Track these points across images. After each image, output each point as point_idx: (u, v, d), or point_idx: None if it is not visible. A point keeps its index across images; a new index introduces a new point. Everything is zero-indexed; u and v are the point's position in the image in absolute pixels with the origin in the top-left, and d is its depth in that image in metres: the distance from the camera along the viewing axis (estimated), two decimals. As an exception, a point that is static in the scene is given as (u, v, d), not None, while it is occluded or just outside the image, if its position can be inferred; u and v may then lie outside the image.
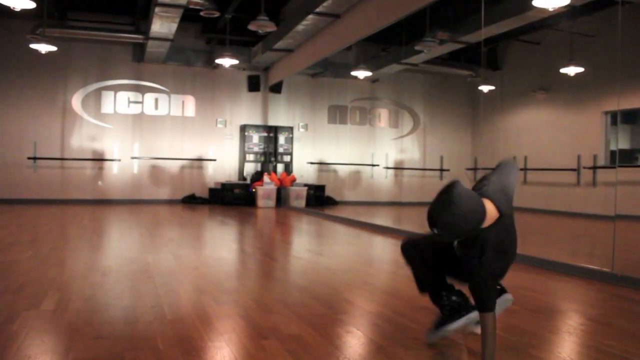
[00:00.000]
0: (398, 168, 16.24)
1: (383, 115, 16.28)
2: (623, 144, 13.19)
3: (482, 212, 2.30)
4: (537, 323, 3.30)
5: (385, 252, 7.17)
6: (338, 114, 15.76)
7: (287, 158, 14.72)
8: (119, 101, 13.85)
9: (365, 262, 6.09)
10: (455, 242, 2.65)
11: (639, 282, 4.45)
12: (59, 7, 11.98)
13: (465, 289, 2.68)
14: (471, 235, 2.38)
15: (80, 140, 13.54)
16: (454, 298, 2.78)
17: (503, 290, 2.84)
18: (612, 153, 12.37)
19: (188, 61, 14.22)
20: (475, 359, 2.68)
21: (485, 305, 2.44)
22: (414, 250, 2.88)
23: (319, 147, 15.54)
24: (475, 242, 2.44)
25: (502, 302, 2.79)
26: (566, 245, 7.99)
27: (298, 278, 5.02)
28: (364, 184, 15.87)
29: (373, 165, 15.92)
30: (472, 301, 2.63)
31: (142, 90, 14.00)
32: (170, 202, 13.86)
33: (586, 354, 2.88)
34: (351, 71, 13.47)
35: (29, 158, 13.01)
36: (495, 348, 2.44)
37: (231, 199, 13.81)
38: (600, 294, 4.40)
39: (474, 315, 2.71)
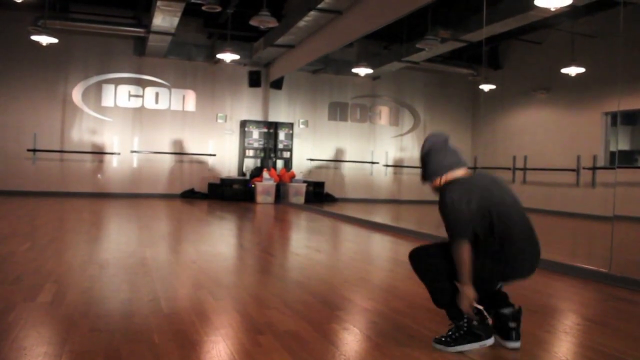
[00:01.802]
0: (397, 166, 16.24)
1: (383, 112, 16.27)
2: (623, 145, 13.18)
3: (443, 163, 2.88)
4: (534, 322, 3.30)
5: (383, 249, 7.17)
6: (338, 111, 15.74)
7: (286, 154, 14.71)
8: (120, 94, 13.83)
9: (363, 260, 6.09)
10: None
11: (636, 283, 4.45)
12: (61, -1, 11.97)
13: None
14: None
15: (80, 133, 13.53)
16: (474, 323, 2.77)
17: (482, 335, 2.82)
18: (612, 154, 12.36)
19: (189, 56, 14.20)
20: (473, 358, 2.69)
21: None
22: (426, 259, 2.87)
23: (319, 144, 15.53)
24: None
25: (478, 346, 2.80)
26: (564, 246, 7.99)
27: (295, 274, 5.02)
28: (364, 182, 15.85)
29: (373, 162, 15.91)
30: (489, 322, 2.82)
31: (142, 84, 13.98)
32: (169, 197, 13.85)
33: (582, 354, 2.88)
34: (352, 68, 13.45)
35: (28, 150, 12.99)
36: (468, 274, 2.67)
37: (230, 194, 13.80)
38: (597, 295, 4.40)
39: (489, 342, 2.77)
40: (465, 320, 2.75)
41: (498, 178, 2.94)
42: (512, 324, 2.82)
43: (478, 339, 2.74)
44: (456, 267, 2.70)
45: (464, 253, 2.68)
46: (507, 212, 2.76)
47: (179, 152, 14.27)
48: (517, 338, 2.82)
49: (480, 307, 2.74)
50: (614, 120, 12.34)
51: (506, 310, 2.83)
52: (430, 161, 2.94)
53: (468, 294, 2.69)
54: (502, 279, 2.85)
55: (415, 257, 2.90)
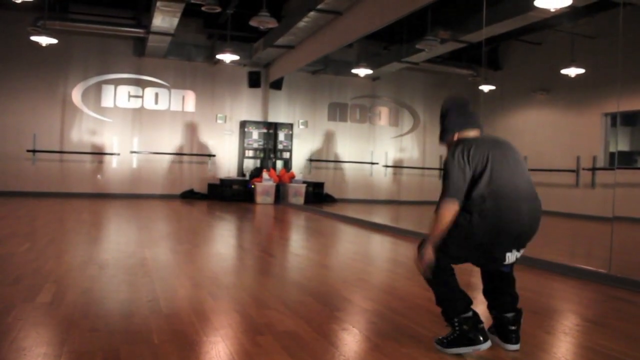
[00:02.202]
0: (397, 166, 16.23)
1: (383, 113, 16.27)
2: (622, 146, 13.18)
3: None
4: (534, 323, 3.30)
5: (383, 250, 7.17)
6: (338, 112, 15.74)
7: (286, 155, 14.71)
8: (119, 95, 13.83)
9: (362, 260, 6.09)
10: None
11: (636, 284, 4.46)
12: (60, -1, 11.97)
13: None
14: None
15: (80, 134, 13.52)
16: (465, 327, 2.74)
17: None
18: (612, 155, 12.37)
19: (189, 56, 14.20)
20: (470, 357, 2.69)
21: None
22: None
23: (319, 145, 15.53)
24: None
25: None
26: (564, 246, 7.99)
27: (295, 275, 5.02)
28: (363, 182, 15.85)
29: (372, 163, 15.91)
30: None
31: (142, 84, 13.98)
32: (168, 197, 13.85)
33: (582, 355, 2.89)
34: (352, 69, 13.45)
35: (28, 151, 12.99)
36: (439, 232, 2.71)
37: (230, 194, 13.80)
38: (597, 295, 4.40)
39: (484, 346, 2.74)
40: (456, 322, 2.73)
41: (507, 143, 2.93)
42: (512, 327, 2.82)
43: (471, 343, 2.72)
44: (432, 223, 2.72)
45: (449, 212, 2.68)
46: (501, 173, 2.72)
47: (179, 153, 14.27)
48: (517, 341, 2.82)
49: (469, 315, 2.73)
50: (613, 121, 12.35)
51: (509, 315, 2.83)
52: (446, 119, 2.99)
53: (428, 253, 2.71)
54: (481, 246, 2.74)
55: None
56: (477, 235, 2.68)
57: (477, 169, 2.72)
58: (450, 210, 2.68)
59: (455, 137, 2.92)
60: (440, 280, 2.77)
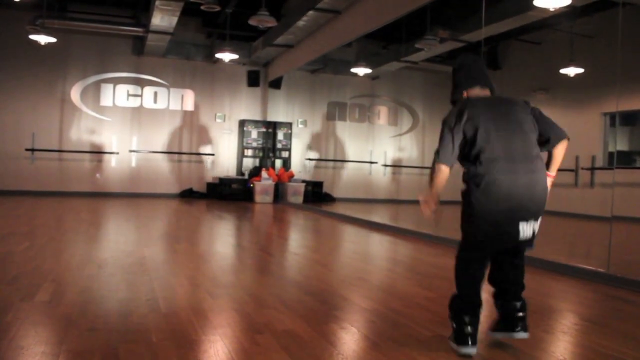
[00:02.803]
0: (396, 166, 16.23)
1: (382, 112, 16.27)
2: (621, 145, 13.19)
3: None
4: (532, 322, 3.30)
5: (381, 249, 7.17)
6: (337, 111, 15.74)
7: (285, 154, 14.71)
8: (118, 94, 13.82)
9: (361, 259, 6.09)
10: None
11: (634, 283, 4.46)
12: (59, -2, 11.96)
13: None
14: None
15: (79, 133, 13.51)
16: (453, 325, 2.75)
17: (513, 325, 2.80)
18: (610, 154, 12.37)
19: (188, 55, 14.19)
20: (468, 358, 2.69)
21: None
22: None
23: (318, 144, 15.53)
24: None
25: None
26: (562, 246, 7.99)
27: (294, 273, 5.02)
28: (362, 181, 15.85)
29: (371, 162, 15.91)
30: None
31: (141, 83, 13.97)
32: (167, 196, 13.84)
33: (580, 354, 2.89)
34: (351, 68, 13.45)
35: (27, 149, 12.98)
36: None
37: (229, 193, 13.80)
38: (595, 295, 4.40)
39: (464, 349, 2.68)
40: (453, 317, 2.74)
41: (511, 102, 2.85)
42: (521, 314, 2.77)
43: (456, 340, 2.69)
44: (428, 185, 2.83)
45: (439, 177, 2.76)
46: (493, 136, 2.66)
47: (178, 152, 14.26)
48: (526, 329, 2.78)
49: (469, 318, 2.69)
50: (612, 121, 12.36)
51: (517, 303, 2.79)
52: (457, 76, 2.99)
53: (427, 198, 2.85)
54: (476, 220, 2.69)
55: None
56: (479, 206, 2.64)
57: (468, 133, 2.69)
58: (440, 174, 2.75)
59: (465, 95, 2.91)
60: (464, 272, 2.77)
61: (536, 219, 2.71)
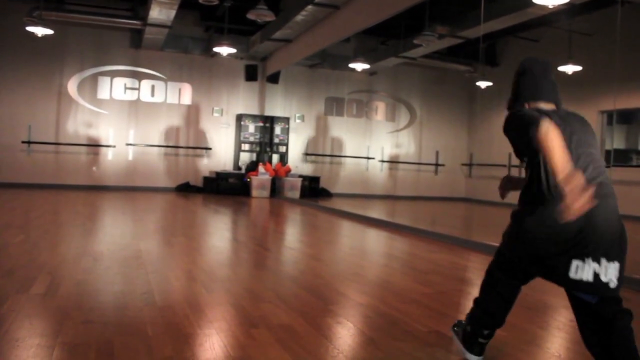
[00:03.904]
0: (393, 162, 16.24)
1: (380, 108, 16.26)
2: (618, 143, 13.22)
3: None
4: (527, 319, 3.31)
5: (378, 244, 7.18)
6: (335, 106, 15.73)
7: (282, 149, 14.69)
8: (115, 87, 13.78)
9: (357, 254, 6.10)
10: None
11: (631, 280, 4.46)
12: (57, -10, 11.90)
13: None
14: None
15: (76, 126, 13.47)
16: (483, 341, 2.56)
17: None
18: (607, 152, 12.39)
19: (186, 49, 14.15)
20: (461, 355, 2.69)
21: None
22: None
23: (315, 139, 15.52)
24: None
25: None
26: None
27: (290, 268, 5.02)
28: (359, 177, 15.86)
29: (368, 158, 15.91)
30: None
31: (138, 76, 13.94)
32: (164, 190, 13.82)
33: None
34: (349, 63, 13.43)
35: (23, 142, 12.94)
36: None
37: (225, 188, 13.79)
38: (591, 292, 4.40)
39: (470, 357, 2.57)
40: (468, 325, 2.61)
41: (586, 123, 2.39)
42: None
43: (465, 345, 2.59)
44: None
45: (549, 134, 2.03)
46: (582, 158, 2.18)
47: (175, 146, 14.24)
48: None
49: (486, 332, 2.55)
50: (610, 119, 12.37)
51: None
52: (521, 84, 2.50)
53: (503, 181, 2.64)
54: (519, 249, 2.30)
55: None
56: (526, 231, 2.23)
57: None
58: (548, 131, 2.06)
59: (527, 106, 2.45)
60: (490, 287, 2.51)
61: (613, 262, 2.14)
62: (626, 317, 2.15)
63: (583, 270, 2.09)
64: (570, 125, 2.27)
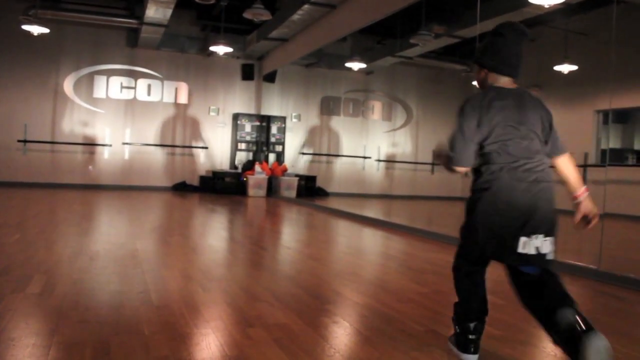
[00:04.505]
0: (390, 161, 16.25)
1: (376, 107, 16.27)
2: (614, 143, 13.26)
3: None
4: (523, 317, 3.31)
5: (374, 244, 7.18)
6: (331, 105, 15.73)
7: (279, 148, 14.70)
8: (112, 86, 13.76)
9: (354, 254, 6.10)
10: None
11: (625, 280, 4.48)
12: (53, -12, 11.87)
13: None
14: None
15: (72, 124, 13.45)
16: (473, 337, 2.58)
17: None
18: (603, 152, 12.43)
19: (182, 48, 14.14)
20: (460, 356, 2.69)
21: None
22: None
23: (311, 138, 15.52)
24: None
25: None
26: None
27: (286, 267, 5.02)
28: (355, 176, 15.87)
29: (365, 157, 15.92)
30: None
31: (135, 75, 13.91)
32: (160, 189, 13.81)
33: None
34: (345, 62, 13.44)
35: (19, 141, 12.91)
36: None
37: (222, 187, 13.78)
38: (586, 291, 4.42)
39: (465, 356, 2.58)
40: (456, 324, 2.65)
41: (532, 104, 2.55)
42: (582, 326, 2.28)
43: (459, 347, 2.60)
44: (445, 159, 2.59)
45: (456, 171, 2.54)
46: (511, 136, 2.41)
47: (171, 145, 14.22)
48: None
49: (472, 325, 2.58)
50: (605, 118, 12.41)
51: (567, 312, 2.32)
52: (488, 46, 2.62)
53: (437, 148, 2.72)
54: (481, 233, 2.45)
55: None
56: (481, 209, 2.43)
57: (485, 133, 2.43)
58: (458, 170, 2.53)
59: (482, 75, 2.62)
60: (459, 280, 2.62)
61: (549, 237, 2.42)
62: (555, 275, 2.44)
63: (529, 246, 2.36)
64: (509, 112, 2.46)
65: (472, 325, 2.57)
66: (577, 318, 2.31)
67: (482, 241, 2.45)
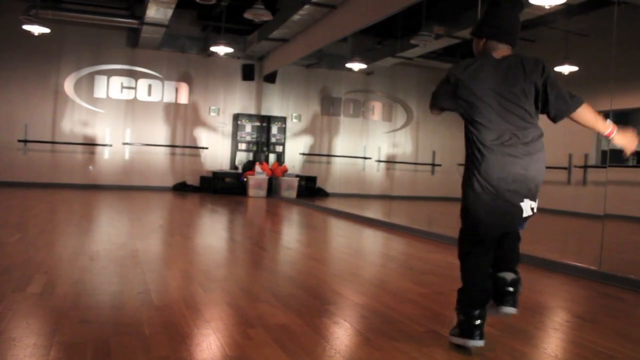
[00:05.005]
0: (390, 161, 16.25)
1: (376, 108, 16.27)
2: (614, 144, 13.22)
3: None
4: (524, 319, 3.32)
5: (374, 244, 7.18)
6: (332, 106, 15.73)
7: (279, 148, 14.69)
8: (112, 86, 13.75)
9: (354, 254, 6.10)
10: None
11: (626, 281, 4.48)
12: (53, -12, 11.88)
13: None
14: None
15: (72, 124, 13.45)
16: (460, 317, 2.68)
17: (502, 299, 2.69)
18: (603, 153, 12.42)
19: (182, 48, 14.13)
20: (458, 354, 2.69)
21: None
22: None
23: (312, 139, 15.52)
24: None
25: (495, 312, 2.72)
26: (555, 243, 8.03)
27: (287, 268, 5.02)
28: (356, 177, 15.86)
29: (365, 158, 15.92)
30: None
31: (135, 75, 13.91)
32: (161, 189, 13.81)
33: (571, 351, 2.90)
34: (346, 63, 13.43)
35: (19, 141, 12.91)
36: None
37: (222, 187, 13.79)
38: (587, 292, 4.42)
39: (472, 342, 2.63)
40: (460, 311, 2.68)
41: (533, 70, 2.57)
42: (510, 288, 2.66)
43: (463, 334, 2.62)
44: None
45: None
46: (496, 109, 2.53)
47: (171, 145, 14.22)
48: (514, 304, 2.66)
49: (477, 312, 2.62)
50: (606, 119, 12.39)
51: (505, 275, 2.67)
52: (486, 15, 2.72)
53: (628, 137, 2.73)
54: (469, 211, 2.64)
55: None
56: (485, 177, 2.54)
57: (464, 97, 2.60)
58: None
59: (481, 44, 2.73)
60: (465, 266, 2.69)
61: (535, 201, 2.65)
62: (518, 234, 2.80)
63: (528, 209, 2.59)
64: (501, 80, 2.54)
65: (476, 311, 2.61)
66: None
67: (484, 219, 2.60)
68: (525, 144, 2.54)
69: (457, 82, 2.62)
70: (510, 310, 2.66)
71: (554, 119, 2.63)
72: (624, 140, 2.68)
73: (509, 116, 2.54)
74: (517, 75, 2.56)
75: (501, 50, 2.67)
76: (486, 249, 2.68)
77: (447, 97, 2.66)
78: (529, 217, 2.64)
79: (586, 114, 2.69)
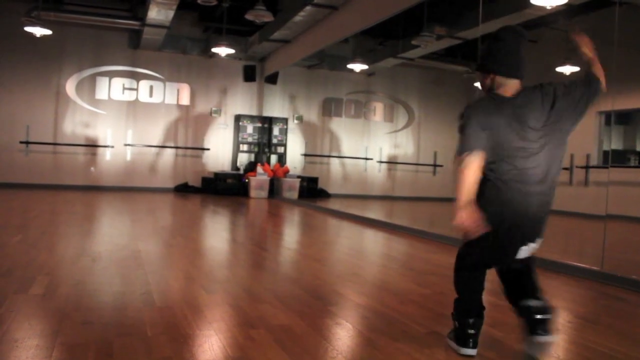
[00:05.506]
0: (391, 162, 16.25)
1: (378, 109, 16.26)
2: (616, 144, 13.24)
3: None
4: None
5: (376, 245, 7.18)
6: (333, 107, 15.73)
7: (280, 149, 14.69)
8: (114, 87, 13.77)
9: (355, 255, 6.10)
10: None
11: (628, 281, 4.48)
12: (55, -10, 11.89)
13: None
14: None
15: (74, 126, 13.46)
16: (472, 331, 2.66)
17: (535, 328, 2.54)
18: (605, 153, 12.42)
19: (184, 49, 14.14)
20: (459, 355, 2.69)
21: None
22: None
23: (313, 139, 15.52)
24: None
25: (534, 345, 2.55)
26: (557, 244, 8.02)
27: (288, 269, 5.02)
28: (357, 177, 15.86)
29: (367, 158, 15.91)
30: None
31: (137, 77, 13.92)
32: (162, 191, 13.81)
33: (573, 351, 2.90)
34: (347, 64, 13.43)
35: (21, 142, 12.92)
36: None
37: (224, 188, 13.79)
38: (589, 292, 4.42)
39: (465, 351, 2.65)
40: (456, 320, 2.71)
41: (545, 99, 2.61)
42: (538, 316, 2.50)
43: (458, 341, 2.67)
44: (456, 186, 2.48)
45: (467, 168, 2.44)
46: (511, 151, 2.47)
47: (173, 146, 14.23)
48: (546, 331, 2.50)
49: (472, 320, 2.64)
50: (607, 120, 12.38)
51: (529, 302, 2.55)
52: (491, 51, 2.66)
53: (459, 216, 2.44)
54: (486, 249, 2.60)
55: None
56: (487, 222, 2.46)
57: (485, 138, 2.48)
58: (469, 165, 2.43)
59: (488, 80, 2.65)
60: (460, 277, 2.73)
61: (536, 241, 2.63)
62: (533, 264, 2.70)
63: (526, 251, 2.59)
64: (508, 126, 2.50)
65: (471, 320, 2.65)
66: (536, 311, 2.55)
67: (486, 252, 2.63)
68: (538, 184, 2.60)
69: (478, 123, 2.52)
70: (543, 338, 2.49)
71: (595, 93, 2.82)
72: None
73: (525, 157, 2.54)
74: (531, 111, 2.60)
75: (512, 85, 2.67)
76: (476, 271, 2.72)
77: (479, 137, 2.48)
78: (525, 258, 2.68)
79: (597, 71, 2.90)
